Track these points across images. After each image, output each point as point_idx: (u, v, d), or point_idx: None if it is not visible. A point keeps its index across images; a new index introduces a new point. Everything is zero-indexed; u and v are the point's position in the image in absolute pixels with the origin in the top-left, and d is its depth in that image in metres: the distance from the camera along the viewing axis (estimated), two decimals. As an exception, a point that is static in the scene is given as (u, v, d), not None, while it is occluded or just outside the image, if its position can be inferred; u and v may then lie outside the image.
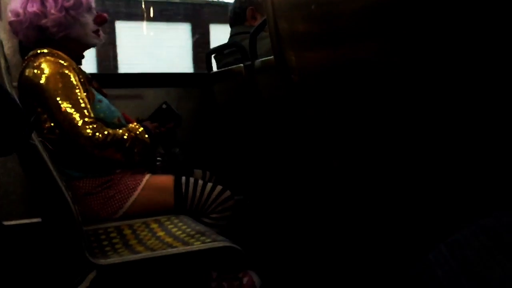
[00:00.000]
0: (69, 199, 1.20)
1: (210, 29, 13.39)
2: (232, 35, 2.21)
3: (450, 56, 0.48)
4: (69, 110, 1.44)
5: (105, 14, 1.69)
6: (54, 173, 1.17)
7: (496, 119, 0.49)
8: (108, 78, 2.09)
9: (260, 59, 1.59)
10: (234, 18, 2.22)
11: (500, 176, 0.53)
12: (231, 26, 2.25)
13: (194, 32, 13.24)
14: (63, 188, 1.19)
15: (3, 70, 1.14)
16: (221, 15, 13.38)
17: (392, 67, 0.54)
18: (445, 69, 0.49)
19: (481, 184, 0.57)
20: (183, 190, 1.59)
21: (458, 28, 0.46)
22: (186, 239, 1.33)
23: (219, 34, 13.43)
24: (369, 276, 1.29)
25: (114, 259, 1.21)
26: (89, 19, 1.62)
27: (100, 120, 1.51)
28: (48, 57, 1.50)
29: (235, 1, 2.23)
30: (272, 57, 1.42)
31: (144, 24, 12.55)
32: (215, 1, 13.66)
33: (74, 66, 1.54)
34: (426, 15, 0.48)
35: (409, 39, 0.50)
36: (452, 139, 0.55)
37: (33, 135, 1.13)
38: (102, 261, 1.20)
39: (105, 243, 1.35)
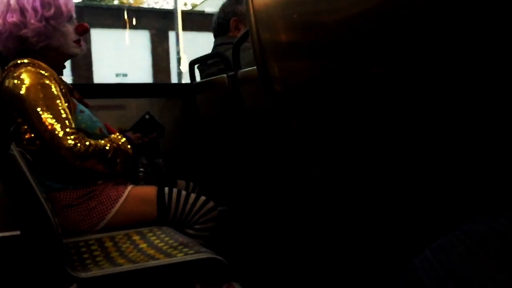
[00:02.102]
0: (48, 211, 1.17)
1: (91, 34, 13.04)
2: (215, 46, 2.21)
3: (433, 67, 0.48)
4: (50, 120, 1.42)
5: (86, 24, 1.68)
6: (33, 185, 1.15)
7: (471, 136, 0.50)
8: (90, 88, 2.07)
9: (243, 69, 1.60)
10: (217, 28, 2.22)
11: (484, 183, 0.54)
12: (214, 37, 2.25)
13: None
14: (42, 200, 1.17)
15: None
16: (103, 19, 13.00)
17: (374, 77, 0.54)
18: (429, 79, 0.50)
19: (462, 193, 0.57)
20: (166, 201, 1.58)
21: (442, 40, 0.46)
22: (168, 250, 1.31)
23: (102, 39, 13.13)
24: (354, 285, 1.28)
25: (95, 272, 1.19)
26: (70, 28, 1.60)
27: (82, 131, 1.50)
28: (29, 67, 1.47)
29: (219, 12, 2.24)
30: (255, 67, 1.42)
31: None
32: (96, 4, 13.20)
33: (55, 77, 1.52)
34: (410, 26, 0.48)
35: (391, 50, 0.51)
36: (436, 148, 0.55)
37: (12, 145, 1.11)
38: (83, 274, 1.18)
39: (86, 255, 1.33)
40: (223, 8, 2.22)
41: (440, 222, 0.58)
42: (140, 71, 14.80)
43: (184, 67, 12.12)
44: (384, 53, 0.51)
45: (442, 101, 0.49)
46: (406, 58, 0.50)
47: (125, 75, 14.55)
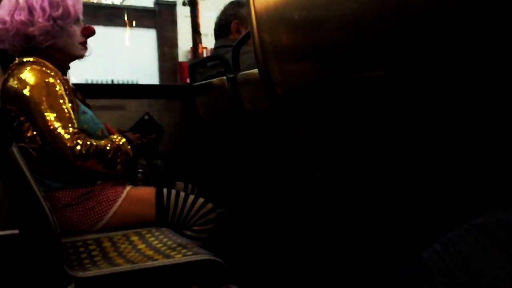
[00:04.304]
0: (47, 209, 1.17)
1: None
2: (216, 48, 2.21)
3: (436, 68, 0.49)
4: (53, 120, 1.42)
5: (92, 27, 1.69)
6: (32, 183, 1.15)
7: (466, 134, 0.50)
8: (90, 88, 2.07)
9: (243, 72, 1.60)
10: (218, 31, 2.23)
11: (490, 178, 0.54)
12: (215, 39, 2.26)
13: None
14: (41, 198, 1.16)
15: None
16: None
17: (374, 79, 0.54)
18: (430, 81, 0.50)
19: (468, 188, 0.57)
20: (165, 202, 1.58)
21: (441, 44, 0.47)
22: (167, 251, 1.31)
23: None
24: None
25: (93, 272, 1.19)
26: (76, 30, 1.61)
27: (84, 132, 1.50)
28: (34, 66, 1.48)
29: (220, 14, 2.24)
30: (254, 70, 1.42)
31: None
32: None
33: (60, 76, 1.53)
34: (411, 26, 0.49)
35: (393, 52, 0.51)
36: (435, 149, 0.56)
37: (12, 144, 1.11)
38: (81, 274, 1.18)
39: (84, 255, 1.33)
40: (225, 10, 2.23)
41: (435, 221, 0.59)
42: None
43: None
44: (384, 56, 0.52)
45: (441, 103, 0.50)
46: (406, 61, 0.50)
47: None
